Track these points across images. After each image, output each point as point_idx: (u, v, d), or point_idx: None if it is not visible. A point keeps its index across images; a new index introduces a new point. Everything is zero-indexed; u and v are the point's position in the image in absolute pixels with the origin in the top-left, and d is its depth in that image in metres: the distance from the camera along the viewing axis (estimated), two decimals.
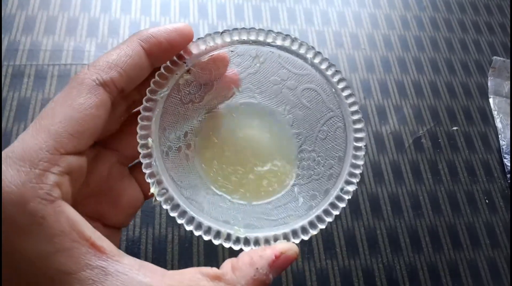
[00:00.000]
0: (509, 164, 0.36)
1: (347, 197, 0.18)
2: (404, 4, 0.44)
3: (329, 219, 0.18)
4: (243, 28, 0.21)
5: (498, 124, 0.39)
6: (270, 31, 0.21)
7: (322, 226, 0.18)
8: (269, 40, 0.21)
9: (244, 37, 0.20)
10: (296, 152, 0.23)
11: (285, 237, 0.18)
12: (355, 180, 0.19)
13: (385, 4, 0.44)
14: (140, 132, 0.18)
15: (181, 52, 0.20)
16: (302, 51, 0.21)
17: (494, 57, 0.42)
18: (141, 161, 0.18)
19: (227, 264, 0.17)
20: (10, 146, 0.16)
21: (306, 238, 0.18)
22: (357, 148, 0.19)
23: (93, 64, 0.17)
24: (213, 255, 0.28)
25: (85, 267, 0.15)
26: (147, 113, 0.18)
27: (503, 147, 0.37)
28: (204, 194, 0.21)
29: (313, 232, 0.18)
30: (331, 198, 0.18)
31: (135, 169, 0.22)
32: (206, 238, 0.17)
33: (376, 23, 0.42)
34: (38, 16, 0.34)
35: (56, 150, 0.15)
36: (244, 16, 0.39)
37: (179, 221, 0.17)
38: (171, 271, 0.16)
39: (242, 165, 0.22)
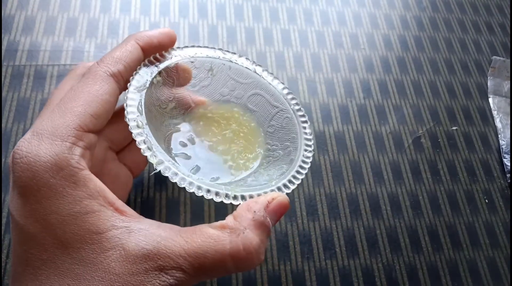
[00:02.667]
0: (508, 164, 0.36)
1: (309, 160, 0.23)
2: (404, 4, 0.44)
3: (301, 177, 0.22)
4: (198, 46, 0.25)
5: (498, 124, 0.39)
6: (220, 49, 0.25)
7: (298, 182, 0.22)
8: (221, 55, 0.25)
9: (200, 51, 0.24)
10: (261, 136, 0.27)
11: (278, 189, 0.21)
12: (310, 148, 0.24)
13: (385, 4, 0.44)
14: (129, 116, 0.20)
15: (157, 54, 0.23)
16: (248, 64, 0.26)
17: (494, 57, 0.42)
18: (136, 139, 0.19)
19: (229, 216, 0.19)
20: (38, 125, 0.18)
21: (289, 191, 0.21)
22: (305, 127, 0.24)
23: (102, 60, 0.20)
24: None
25: (111, 227, 0.17)
26: (132, 101, 0.20)
27: (503, 147, 0.37)
28: (195, 164, 0.24)
29: (292, 186, 0.22)
30: (298, 162, 0.23)
31: (121, 154, 0.25)
32: (207, 196, 0.19)
33: (375, 23, 0.42)
34: (38, 16, 0.34)
35: (80, 127, 0.18)
36: (243, 16, 0.39)
37: (181, 185, 0.19)
38: (184, 228, 0.18)
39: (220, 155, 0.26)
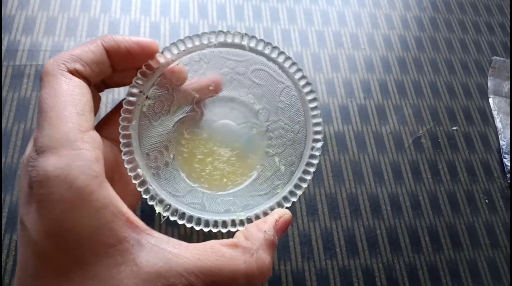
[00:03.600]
0: (509, 164, 0.36)
1: (317, 153, 0.22)
2: (404, 4, 0.44)
3: (309, 177, 0.21)
4: (179, 40, 0.23)
5: (498, 124, 0.39)
6: (203, 33, 0.23)
7: (305, 185, 0.21)
8: (205, 42, 0.23)
9: (183, 48, 0.22)
10: (264, 124, 0.25)
11: (279, 205, 0.21)
12: (320, 137, 0.22)
13: (385, 4, 0.44)
14: (127, 166, 0.20)
15: (134, 82, 0.22)
16: (237, 41, 0.23)
17: (494, 57, 0.42)
18: (138, 189, 0.20)
19: (239, 234, 0.20)
20: (36, 142, 0.17)
21: (295, 199, 0.21)
22: (313, 109, 0.22)
23: (58, 56, 0.19)
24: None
25: (123, 239, 0.16)
26: (127, 148, 0.20)
27: (503, 147, 0.37)
28: (201, 194, 0.23)
29: (299, 192, 0.21)
30: (306, 159, 0.22)
31: (103, 127, 0.23)
32: (215, 230, 0.20)
33: (376, 23, 0.42)
34: (38, 16, 0.34)
35: (77, 130, 0.17)
36: (244, 16, 0.39)
37: (188, 225, 0.20)
38: (192, 244, 0.18)
39: (220, 158, 0.25)
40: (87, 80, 0.20)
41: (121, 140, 0.21)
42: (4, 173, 0.28)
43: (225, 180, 0.24)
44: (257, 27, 0.38)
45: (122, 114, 0.21)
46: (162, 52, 0.22)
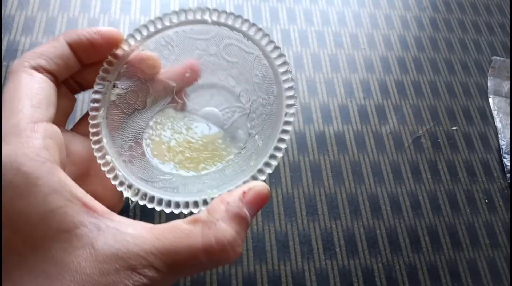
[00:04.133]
0: (508, 164, 0.36)
1: (291, 119, 0.20)
2: (404, 4, 0.44)
3: (283, 146, 0.20)
4: (141, 25, 0.22)
5: (498, 124, 0.39)
6: (164, 14, 0.22)
7: (280, 154, 0.20)
8: (167, 23, 0.22)
9: (145, 33, 0.22)
10: (247, 106, 0.24)
11: (254, 178, 0.20)
12: (292, 101, 0.20)
13: (385, 4, 0.44)
14: (96, 154, 0.20)
15: (100, 72, 0.21)
16: (198, 16, 0.22)
17: (494, 57, 0.42)
18: (107, 176, 0.20)
19: (203, 210, 0.19)
20: None
21: (270, 171, 0.20)
22: (283, 73, 0.21)
23: (23, 56, 0.20)
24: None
25: (79, 224, 0.16)
26: (96, 137, 0.20)
27: (503, 147, 0.37)
28: (176, 180, 0.22)
29: (274, 163, 0.20)
30: (280, 127, 0.20)
31: (81, 128, 0.23)
32: (186, 211, 0.19)
33: (376, 23, 0.42)
34: (38, 16, 0.34)
35: (29, 120, 0.17)
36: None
37: (158, 208, 0.19)
38: (156, 224, 0.18)
39: (201, 145, 0.24)
40: (53, 76, 0.20)
41: (90, 129, 0.20)
42: None
43: (202, 165, 0.23)
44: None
45: (90, 104, 0.21)
46: (126, 40, 0.22)
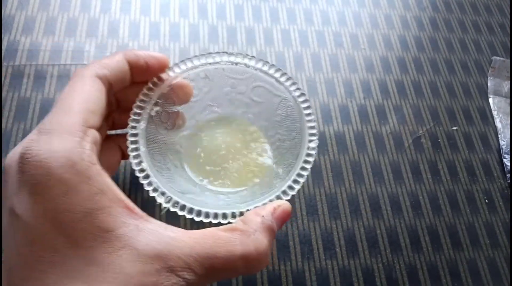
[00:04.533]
0: (508, 164, 0.36)
1: (313, 152, 0.23)
2: (404, 4, 0.44)
3: (305, 173, 0.22)
4: (187, 58, 0.25)
5: (498, 124, 0.39)
6: (209, 53, 0.25)
7: (302, 180, 0.22)
8: (211, 60, 0.25)
9: (190, 65, 0.25)
10: (265, 141, 0.27)
11: (278, 198, 0.22)
12: (315, 138, 0.23)
13: (385, 4, 0.44)
14: (133, 160, 0.21)
15: (145, 89, 0.23)
16: (239, 60, 0.25)
17: (494, 57, 0.42)
18: (142, 182, 0.21)
19: (238, 220, 0.20)
20: (42, 124, 0.18)
21: (294, 193, 0.22)
22: (308, 115, 0.24)
23: (90, 64, 0.21)
24: None
25: (121, 224, 0.17)
26: (134, 145, 0.22)
27: (503, 147, 0.37)
28: (204, 195, 0.24)
29: (297, 186, 0.22)
30: (303, 158, 0.23)
31: (115, 137, 0.25)
32: (215, 221, 0.20)
33: (376, 23, 0.42)
34: (38, 16, 0.34)
35: (84, 123, 0.18)
36: (244, 16, 0.39)
37: (188, 216, 0.20)
38: (192, 230, 0.18)
39: (227, 169, 0.26)
40: (110, 85, 0.22)
41: (128, 138, 0.22)
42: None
43: (228, 182, 0.26)
44: (257, 27, 0.38)
45: (132, 116, 0.23)
46: (172, 67, 0.24)
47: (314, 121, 0.24)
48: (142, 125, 0.22)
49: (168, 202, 0.21)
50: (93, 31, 0.35)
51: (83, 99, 0.19)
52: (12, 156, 0.18)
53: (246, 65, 0.25)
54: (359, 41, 0.40)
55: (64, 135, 0.17)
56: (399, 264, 0.30)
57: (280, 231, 0.30)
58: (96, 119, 0.19)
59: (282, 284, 0.28)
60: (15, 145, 0.29)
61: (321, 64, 0.38)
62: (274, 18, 0.39)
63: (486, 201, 0.35)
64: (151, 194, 0.21)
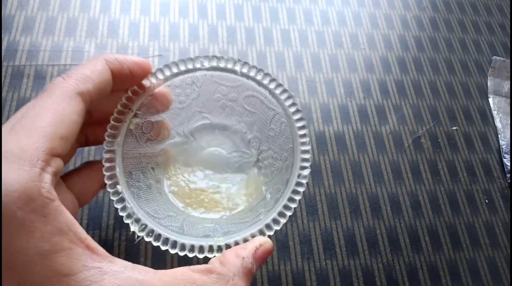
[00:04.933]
0: (508, 164, 0.36)
1: (304, 181, 0.21)
2: (404, 4, 0.44)
3: (293, 205, 0.20)
4: (172, 62, 0.23)
5: (498, 124, 0.39)
6: (197, 57, 0.23)
7: (289, 213, 0.20)
8: (198, 65, 0.23)
9: (175, 70, 0.22)
10: (255, 154, 0.25)
11: (261, 232, 0.20)
12: (307, 164, 0.21)
13: (385, 4, 0.44)
14: (108, 182, 0.20)
15: (124, 99, 0.21)
16: (229, 66, 0.23)
17: (494, 57, 0.42)
18: (115, 206, 0.19)
19: (215, 260, 0.18)
20: (3, 145, 0.16)
21: (278, 228, 0.20)
22: (302, 136, 0.22)
23: (70, 75, 0.18)
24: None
25: (82, 268, 0.15)
26: (109, 164, 0.20)
27: (503, 147, 0.37)
28: (182, 219, 0.22)
29: (283, 220, 0.20)
30: (292, 186, 0.21)
31: (69, 181, 0.21)
32: (190, 255, 0.19)
33: (375, 23, 0.42)
34: (38, 16, 0.34)
35: (50, 151, 0.16)
36: (243, 16, 0.39)
37: (163, 247, 0.19)
38: (161, 270, 0.17)
39: (209, 186, 0.24)
40: (90, 100, 0.19)
41: (104, 155, 0.20)
42: None
43: (207, 206, 0.24)
44: (257, 27, 0.38)
45: (108, 130, 0.21)
46: (154, 73, 0.22)
47: (309, 144, 0.22)
48: (118, 140, 0.21)
49: (142, 230, 0.19)
50: (93, 31, 0.35)
51: (54, 121, 0.16)
52: None
53: (235, 73, 0.23)
54: (359, 41, 0.40)
55: (22, 163, 0.15)
56: (399, 264, 0.30)
57: (280, 231, 0.30)
58: (65, 146, 0.17)
59: (282, 284, 0.28)
60: None
61: (321, 64, 0.38)
62: (274, 18, 0.39)
63: (486, 201, 0.35)
64: (125, 220, 0.19)
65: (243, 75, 0.23)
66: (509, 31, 0.45)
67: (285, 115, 0.22)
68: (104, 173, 0.20)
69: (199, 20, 0.38)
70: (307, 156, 0.21)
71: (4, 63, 0.32)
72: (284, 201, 0.21)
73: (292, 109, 0.22)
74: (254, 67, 0.23)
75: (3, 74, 0.31)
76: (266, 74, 0.23)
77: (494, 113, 0.39)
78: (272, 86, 0.23)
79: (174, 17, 0.37)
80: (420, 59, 0.41)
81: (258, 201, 0.23)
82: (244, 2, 0.40)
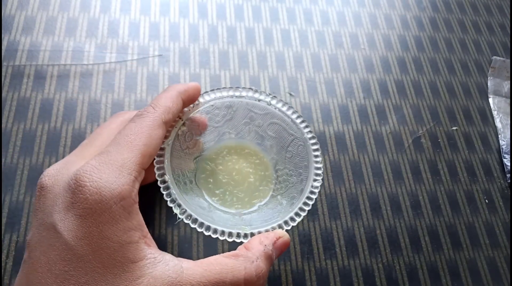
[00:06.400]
0: (508, 164, 0.36)
1: (317, 190, 0.26)
2: (404, 4, 0.44)
3: (307, 208, 0.25)
4: (220, 88, 0.28)
5: (498, 124, 0.39)
6: (237, 87, 0.28)
7: (304, 214, 0.24)
8: (237, 94, 0.28)
9: (219, 94, 0.28)
10: (272, 171, 0.30)
11: (280, 226, 0.24)
12: (319, 178, 0.26)
13: (385, 4, 0.44)
14: (157, 171, 0.23)
15: (181, 113, 0.26)
16: (262, 97, 0.28)
17: (494, 57, 0.42)
18: (162, 192, 0.23)
19: (241, 247, 0.22)
20: (106, 153, 0.20)
21: (294, 224, 0.24)
22: (316, 156, 0.27)
23: (157, 105, 0.23)
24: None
25: (143, 257, 0.19)
26: (159, 158, 0.24)
27: (503, 147, 0.37)
28: (211, 211, 0.26)
29: (298, 219, 0.24)
30: (306, 194, 0.25)
31: None
32: (221, 238, 0.23)
33: (375, 23, 0.42)
34: (38, 16, 0.34)
35: (141, 165, 0.21)
36: (244, 16, 0.39)
37: (199, 229, 0.22)
38: (200, 259, 0.21)
39: (235, 190, 0.29)
40: (168, 127, 0.24)
41: (159, 151, 0.24)
42: (4, 173, 0.28)
43: (234, 203, 0.28)
44: (257, 27, 0.38)
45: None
46: (203, 94, 0.27)
47: (321, 162, 0.27)
48: (169, 141, 0.25)
49: (182, 213, 0.23)
50: (93, 31, 0.35)
51: (147, 142, 0.21)
52: (55, 174, 0.20)
53: (268, 103, 0.28)
54: (359, 41, 0.40)
55: (123, 170, 0.20)
56: (399, 264, 0.30)
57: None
58: (149, 162, 0.22)
59: (282, 284, 0.28)
60: (14, 145, 0.29)
61: (321, 64, 0.38)
62: (274, 18, 0.39)
63: (486, 201, 0.35)
64: (169, 204, 0.23)
65: (271, 105, 0.28)
66: (509, 31, 0.45)
67: (302, 139, 0.27)
68: (155, 164, 0.24)
69: (199, 20, 0.38)
70: (319, 171, 0.26)
71: (4, 63, 0.32)
72: (299, 204, 0.25)
73: (309, 135, 0.28)
74: (281, 100, 0.28)
75: (3, 74, 0.31)
76: (290, 107, 0.28)
77: (494, 113, 0.39)
78: (294, 116, 0.28)
79: (174, 17, 0.37)
80: (420, 59, 0.41)
81: (275, 206, 0.27)
82: (244, 2, 0.40)
